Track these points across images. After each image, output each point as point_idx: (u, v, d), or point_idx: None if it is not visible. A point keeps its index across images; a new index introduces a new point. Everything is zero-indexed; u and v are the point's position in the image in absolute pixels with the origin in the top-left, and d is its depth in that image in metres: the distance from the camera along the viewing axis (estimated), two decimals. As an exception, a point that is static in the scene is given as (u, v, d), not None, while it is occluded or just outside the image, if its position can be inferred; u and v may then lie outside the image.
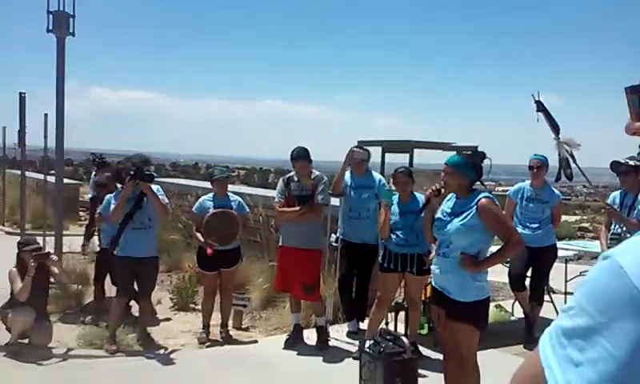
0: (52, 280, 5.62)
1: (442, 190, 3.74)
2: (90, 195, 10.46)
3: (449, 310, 3.51)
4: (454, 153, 3.76)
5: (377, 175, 5.93)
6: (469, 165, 3.55)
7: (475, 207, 3.43)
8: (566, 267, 7.24)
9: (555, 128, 4.85)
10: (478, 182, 3.67)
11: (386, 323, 5.43)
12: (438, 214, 3.66)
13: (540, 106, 5.01)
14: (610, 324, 0.63)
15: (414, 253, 4.95)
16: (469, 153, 3.74)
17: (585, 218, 18.00)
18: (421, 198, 5.03)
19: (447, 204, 3.64)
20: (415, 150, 10.03)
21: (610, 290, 0.64)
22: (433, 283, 3.72)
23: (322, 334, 5.47)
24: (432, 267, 3.73)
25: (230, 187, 6.36)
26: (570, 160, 4.87)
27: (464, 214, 3.47)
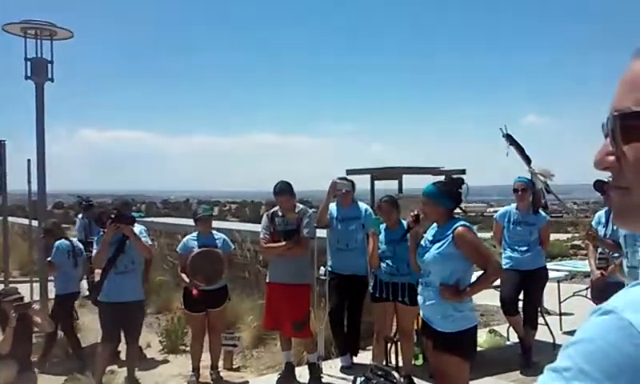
0: (36, 329, 5.49)
1: (421, 217, 3.74)
2: (76, 238, 10.32)
3: (434, 341, 3.47)
4: (432, 182, 3.74)
5: (362, 205, 5.88)
6: (443, 193, 3.57)
7: (451, 235, 3.43)
8: (558, 287, 7.19)
9: (527, 159, 4.87)
10: (459, 209, 3.65)
11: (386, 356, 5.33)
12: (422, 242, 3.65)
13: (510, 140, 5.04)
14: None
15: (405, 282, 4.88)
16: (444, 181, 3.72)
17: (577, 235, 17.94)
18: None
19: (430, 232, 3.64)
20: (405, 176, 10.00)
21: (621, 353, 0.55)
22: (421, 313, 3.67)
23: (314, 371, 5.35)
24: (418, 297, 3.69)
25: (219, 223, 6.29)
26: (544, 190, 4.88)
27: (440, 242, 3.47)
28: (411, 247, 3.82)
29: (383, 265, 4.95)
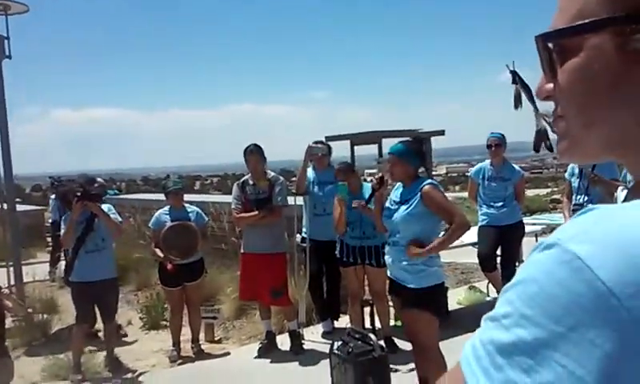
0: (10, 314, 5.38)
1: (386, 179, 3.69)
2: (50, 220, 10.14)
3: (404, 299, 3.46)
4: (398, 141, 3.67)
5: None
6: (412, 152, 3.52)
7: (419, 194, 3.39)
8: (537, 241, 7.22)
9: (532, 99, 4.75)
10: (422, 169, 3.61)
11: (362, 319, 5.33)
12: (387, 203, 3.63)
13: (515, 77, 4.92)
14: (570, 334, 0.46)
15: (372, 245, 4.89)
16: (410, 140, 3.66)
17: (556, 189, 18.14)
18: (368, 187, 4.95)
19: (395, 193, 3.61)
20: (385, 140, 9.91)
21: (567, 291, 0.47)
22: (388, 273, 3.66)
23: (295, 338, 5.33)
24: (385, 257, 3.66)
25: (201, 197, 6.18)
26: (549, 131, 4.77)
27: (409, 202, 3.44)
28: (376, 210, 3.79)
29: (349, 229, 4.92)
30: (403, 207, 3.45)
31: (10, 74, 6.48)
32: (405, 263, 3.45)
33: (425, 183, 3.44)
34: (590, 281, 0.46)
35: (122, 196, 10.96)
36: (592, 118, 0.58)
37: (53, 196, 9.79)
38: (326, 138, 7.75)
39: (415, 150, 3.53)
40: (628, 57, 0.53)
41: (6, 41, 6.21)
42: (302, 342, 5.39)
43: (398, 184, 3.60)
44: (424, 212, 3.40)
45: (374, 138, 10.21)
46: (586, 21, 0.56)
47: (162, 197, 10.09)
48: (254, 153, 5.17)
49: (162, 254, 5.32)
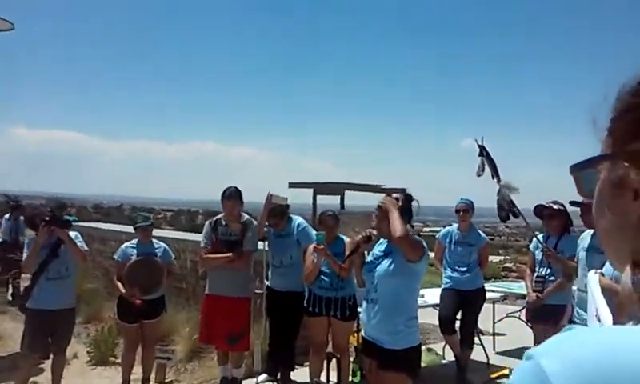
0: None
1: (372, 237, 3.69)
2: (0, 239, 9.74)
3: (381, 360, 3.44)
4: (384, 195, 3.73)
5: (296, 218, 5.58)
6: (403, 209, 3.54)
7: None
8: (493, 308, 7.38)
9: (496, 172, 4.97)
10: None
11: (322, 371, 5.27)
12: (369, 257, 3.63)
13: (483, 151, 5.14)
14: None
15: (339, 296, 4.88)
16: (398, 196, 3.71)
17: (508, 257, 18.64)
18: (345, 239, 4.97)
19: (379, 247, 3.61)
20: (346, 192, 10.03)
21: None
22: (362, 333, 3.64)
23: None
24: (361, 316, 3.66)
25: (158, 232, 6.09)
26: (512, 202, 4.98)
27: (392, 254, 3.45)
28: (358, 264, 3.79)
29: (317, 280, 4.89)
30: (386, 260, 3.47)
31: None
32: (382, 324, 3.43)
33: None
34: None
35: (77, 223, 10.64)
36: (599, 222, 0.69)
37: (6, 216, 9.45)
38: (290, 183, 7.78)
39: (404, 207, 3.56)
40: (613, 183, 0.66)
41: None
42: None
43: (381, 239, 3.63)
44: (404, 265, 3.40)
45: (337, 189, 10.33)
46: (591, 157, 0.69)
47: (119, 228, 9.87)
48: (232, 196, 5.11)
49: (123, 290, 5.17)
